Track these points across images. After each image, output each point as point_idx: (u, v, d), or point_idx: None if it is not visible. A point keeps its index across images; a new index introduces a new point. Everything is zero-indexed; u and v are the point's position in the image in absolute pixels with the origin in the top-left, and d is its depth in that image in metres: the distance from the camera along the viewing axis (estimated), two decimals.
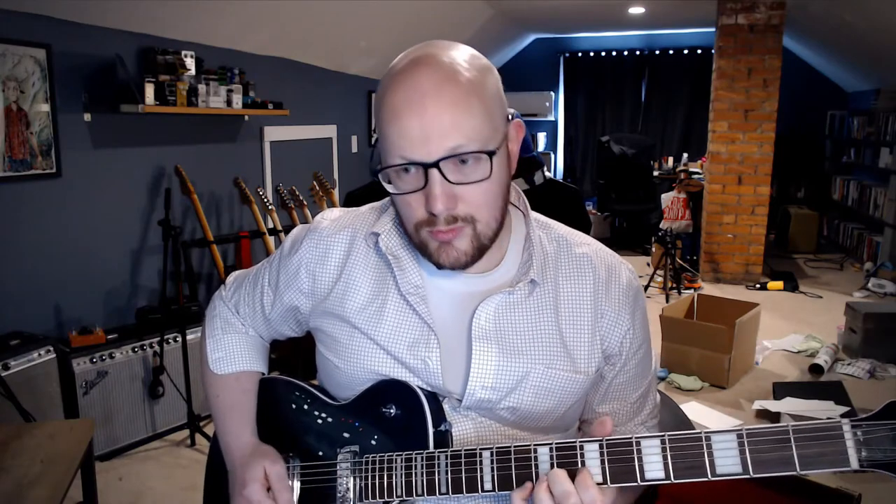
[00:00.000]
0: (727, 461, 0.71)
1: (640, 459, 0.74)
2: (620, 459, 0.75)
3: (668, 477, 0.73)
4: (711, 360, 3.68)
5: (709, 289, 5.66)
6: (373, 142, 6.19)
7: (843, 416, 2.84)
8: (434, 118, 0.80)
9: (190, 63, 3.42)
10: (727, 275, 5.95)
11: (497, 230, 0.89)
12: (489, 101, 0.84)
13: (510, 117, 0.90)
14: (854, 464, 0.66)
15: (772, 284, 5.70)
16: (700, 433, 0.73)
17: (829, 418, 0.69)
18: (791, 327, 4.61)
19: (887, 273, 5.62)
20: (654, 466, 0.74)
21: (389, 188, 0.86)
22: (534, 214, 0.99)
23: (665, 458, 0.74)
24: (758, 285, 5.75)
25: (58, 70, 2.92)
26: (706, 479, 0.73)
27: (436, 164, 0.81)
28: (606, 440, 0.77)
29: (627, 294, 0.96)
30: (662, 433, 0.75)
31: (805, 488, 1.44)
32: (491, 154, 0.83)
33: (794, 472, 0.69)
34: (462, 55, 0.85)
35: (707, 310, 4.07)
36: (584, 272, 0.95)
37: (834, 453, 0.67)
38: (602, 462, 0.76)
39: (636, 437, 0.75)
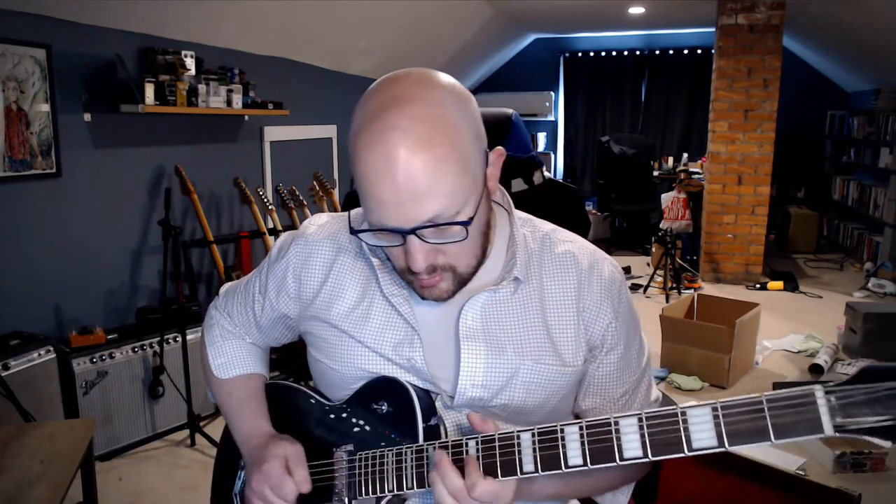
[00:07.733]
0: (703, 435, 0.71)
1: (618, 439, 0.75)
2: (600, 440, 0.76)
3: (646, 455, 0.73)
4: (711, 360, 3.68)
5: (709, 289, 5.66)
6: None
7: None
8: (407, 187, 0.76)
9: (190, 63, 3.42)
10: (727, 275, 5.95)
11: (478, 264, 0.90)
12: (466, 149, 0.80)
13: (488, 151, 0.87)
14: (828, 430, 0.66)
15: (772, 284, 5.71)
16: (676, 409, 0.73)
17: (803, 387, 0.68)
18: (791, 327, 4.61)
19: (887, 273, 5.62)
20: (632, 445, 0.74)
21: (370, 240, 0.86)
22: (518, 212, 1.00)
23: (643, 435, 0.74)
24: (758, 285, 5.75)
25: (58, 70, 2.92)
26: (683, 456, 0.73)
27: (412, 231, 0.80)
28: (586, 422, 0.77)
29: (610, 287, 0.96)
30: (639, 411, 0.75)
31: (805, 488, 1.44)
32: (467, 224, 0.81)
33: (769, 442, 0.68)
34: (437, 96, 0.79)
35: (707, 310, 4.07)
36: (568, 268, 0.95)
37: (807, 421, 0.67)
38: (582, 444, 0.76)
39: (614, 417, 0.75)
